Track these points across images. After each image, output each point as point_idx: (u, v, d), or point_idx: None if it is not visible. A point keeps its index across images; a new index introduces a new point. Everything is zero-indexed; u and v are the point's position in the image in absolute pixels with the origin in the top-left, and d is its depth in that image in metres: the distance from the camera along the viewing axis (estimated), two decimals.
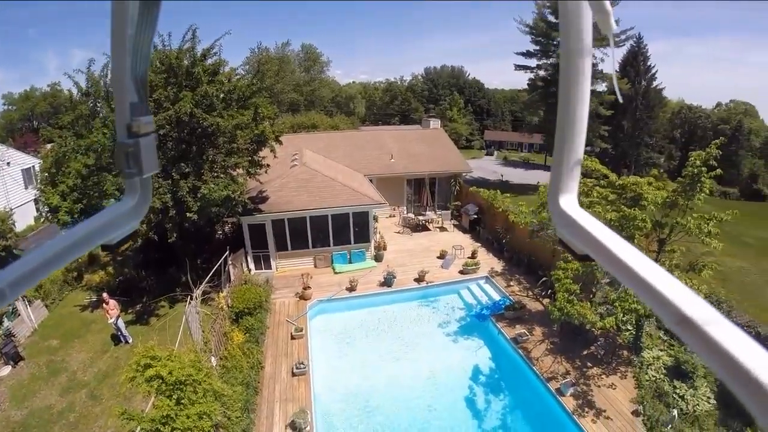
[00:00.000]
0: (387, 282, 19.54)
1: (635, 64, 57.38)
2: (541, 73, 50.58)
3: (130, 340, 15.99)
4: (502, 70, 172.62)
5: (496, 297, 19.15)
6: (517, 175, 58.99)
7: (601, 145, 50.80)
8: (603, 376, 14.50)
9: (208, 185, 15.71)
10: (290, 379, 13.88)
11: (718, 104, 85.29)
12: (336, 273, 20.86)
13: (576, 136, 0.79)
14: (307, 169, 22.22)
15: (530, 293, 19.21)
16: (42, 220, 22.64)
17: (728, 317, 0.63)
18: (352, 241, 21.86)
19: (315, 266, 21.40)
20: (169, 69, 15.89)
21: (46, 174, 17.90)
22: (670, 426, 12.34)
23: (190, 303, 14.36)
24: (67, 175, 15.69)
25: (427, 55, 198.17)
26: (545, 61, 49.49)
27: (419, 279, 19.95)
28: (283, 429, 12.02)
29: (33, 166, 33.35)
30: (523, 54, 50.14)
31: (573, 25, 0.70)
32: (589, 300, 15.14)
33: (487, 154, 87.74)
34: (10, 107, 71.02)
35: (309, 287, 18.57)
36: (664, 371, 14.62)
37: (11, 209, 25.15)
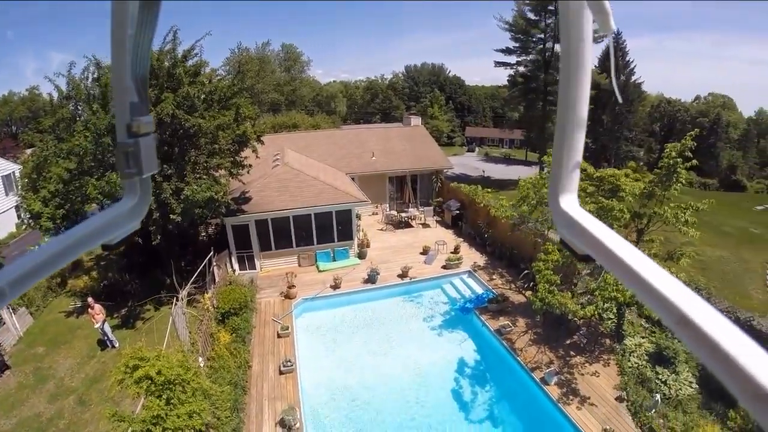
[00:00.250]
0: (371, 279, 19.70)
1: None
2: (521, 69, 51.05)
3: (117, 345, 15.92)
4: (482, 67, 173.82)
5: (479, 290, 19.42)
6: (499, 171, 59.45)
7: None
8: (586, 365, 14.81)
9: (191, 186, 15.72)
10: (278, 377, 13.96)
11: (697, 98, 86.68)
12: (320, 271, 20.96)
13: (576, 137, 0.79)
14: (290, 169, 22.29)
15: (513, 286, 19.51)
16: (24, 227, 22.35)
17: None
18: (336, 240, 21.98)
19: (299, 265, 21.48)
20: (150, 71, 15.86)
21: (27, 180, 17.71)
22: (653, 410, 12.64)
23: (176, 304, 14.41)
24: (48, 180, 15.54)
25: (408, 53, 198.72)
26: (525, 57, 49.99)
27: (403, 275, 20.13)
28: (272, 427, 12.09)
29: (13, 172, 32.76)
30: (502, 51, 50.56)
31: (573, 25, 0.71)
32: (570, 290, 15.45)
33: (468, 151, 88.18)
34: None
35: (294, 286, 18.66)
36: (646, 358, 14.95)
37: None
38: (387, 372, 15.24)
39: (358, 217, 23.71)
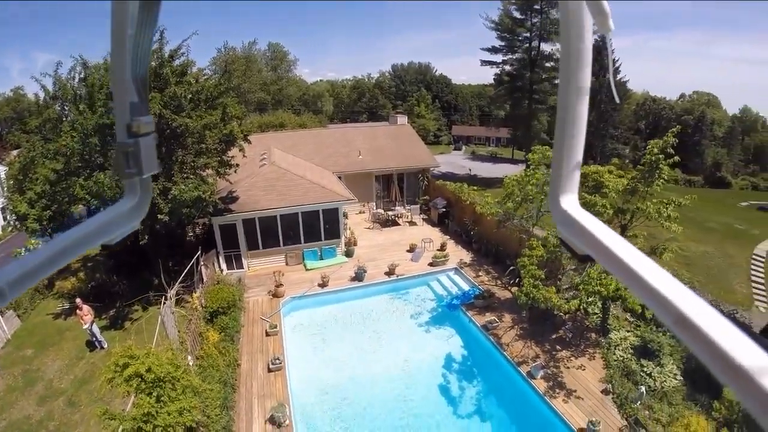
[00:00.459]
0: (358, 276, 19.84)
1: (599, 59, 58.54)
2: (507, 68, 51.35)
3: (106, 346, 15.90)
4: (469, 66, 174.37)
5: (466, 287, 19.63)
6: (485, 169, 59.76)
7: None
8: (572, 358, 15.08)
9: (178, 186, 15.73)
10: (267, 375, 14.05)
11: (682, 95, 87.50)
12: (308, 270, 21.05)
13: (576, 137, 0.80)
14: (277, 168, 22.35)
15: (499, 282, 19.76)
16: (10, 228, 22.21)
17: None
18: (323, 238, 22.08)
19: (286, 264, 21.55)
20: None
21: (13, 181, 17.62)
22: (639, 402, 12.91)
23: (164, 304, 14.44)
24: (34, 181, 15.43)
25: (395, 52, 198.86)
26: (511, 56, 50.29)
27: (390, 272, 20.30)
28: (262, 424, 12.17)
29: None
30: (489, 50, 50.79)
31: (573, 25, 0.72)
32: (555, 285, 15.70)
33: (455, 149, 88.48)
34: None
35: (281, 285, 18.73)
36: (631, 351, 15.21)
37: None
38: (375, 368, 15.38)
39: (345, 215, 23.84)
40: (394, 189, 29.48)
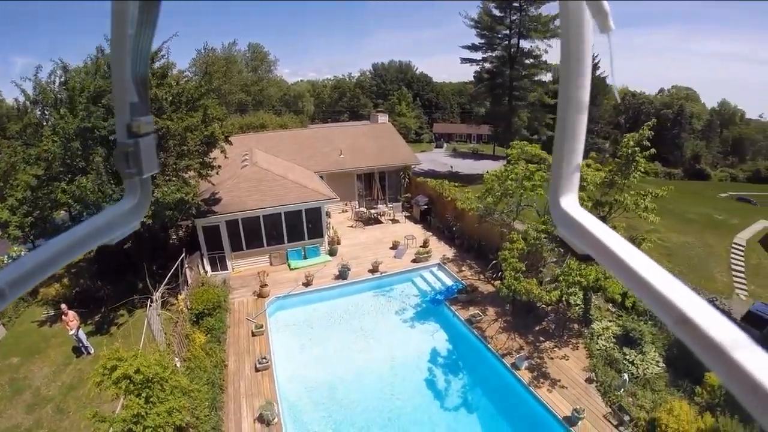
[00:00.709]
0: (342, 275, 20.00)
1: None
2: (487, 65, 51.59)
3: (92, 351, 15.81)
4: (450, 64, 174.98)
5: (449, 282, 19.91)
6: (467, 166, 60.02)
7: (546, 133, 52.33)
8: (555, 349, 15.41)
9: (161, 189, 15.71)
10: (254, 375, 14.13)
11: (661, 90, 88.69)
12: (292, 269, 21.15)
13: (576, 138, 0.80)
14: (258, 169, 22.41)
15: (482, 276, 20.06)
16: None
17: None
18: (306, 237, 22.18)
19: (271, 264, 21.62)
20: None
21: None
22: (622, 390, 13.23)
23: (150, 306, 14.46)
24: (15, 188, 15.31)
25: (376, 51, 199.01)
26: (490, 53, 50.50)
27: (373, 270, 20.48)
28: (251, 423, 12.25)
29: None
30: (468, 47, 51.00)
31: (573, 25, 0.72)
32: (536, 277, 15.99)
33: (436, 147, 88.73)
34: None
35: (266, 285, 18.81)
36: (613, 340, 15.55)
37: None
38: (362, 365, 15.54)
39: (328, 214, 23.96)
40: (376, 187, 29.67)
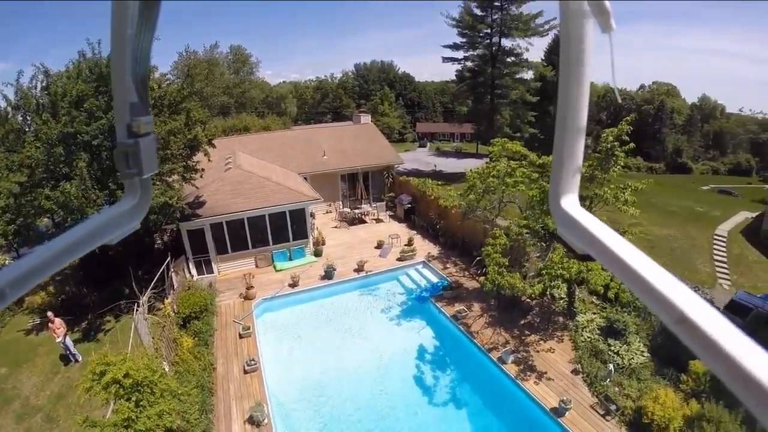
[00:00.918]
0: (328, 275, 20.09)
1: (559, 52, 60.00)
2: (469, 64, 51.83)
3: (80, 359, 15.69)
4: (432, 64, 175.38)
5: (434, 279, 20.11)
6: (450, 165, 60.21)
7: (528, 130, 52.74)
8: (541, 342, 15.67)
9: None
10: (243, 377, 14.16)
11: (642, 86, 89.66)
12: (277, 271, 21.21)
13: (576, 138, 0.80)
14: (242, 172, 22.44)
15: (466, 273, 20.31)
16: None
17: None
18: (291, 239, 22.25)
19: (256, 266, 21.66)
20: (99, 77, 15.79)
21: None
22: (608, 380, 13.53)
23: (137, 311, 14.45)
24: None
25: (358, 51, 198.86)
26: (472, 52, 50.75)
27: (359, 269, 20.64)
28: (242, 425, 12.28)
29: None
30: (450, 47, 51.21)
31: (573, 26, 0.72)
32: (520, 271, 16.24)
33: (420, 146, 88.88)
34: None
35: (252, 287, 18.85)
36: (598, 332, 15.85)
37: None
38: (350, 364, 15.66)
39: (313, 215, 24.10)
40: (359, 187, 29.79)
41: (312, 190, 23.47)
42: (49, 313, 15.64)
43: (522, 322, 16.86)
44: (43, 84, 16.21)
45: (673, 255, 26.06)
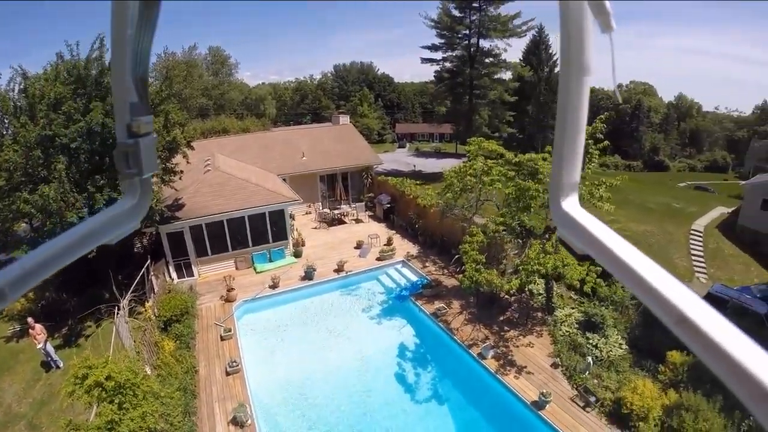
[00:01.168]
0: (308, 275, 20.21)
1: (537, 53, 61.19)
2: (447, 65, 51.96)
3: (62, 365, 15.58)
4: (412, 65, 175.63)
5: (414, 278, 20.38)
6: (430, 165, 60.27)
7: (507, 130, 53.16)
8: (520, 337, 16.00)
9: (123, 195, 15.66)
10: (225, 379, 14.20)
11: (619, 86, 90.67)
12: (258, 272, 21.26)
13: (576, 138, 0.79)
14: (221, 173, 22.47)
15: (445, 271, 20.60)
16: None
17: None
18: (271, 240, 22.32)
19: (236, 268, 21.67)
20: (77, 80, 15.75)
21: None
22: (587, 372, 13.86)
23: (118, 314, 14.42)
24: None
25: (337, 52, 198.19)
26: (450, 53, 50.90)
27: (339, 269, 20.78)
28: (225, 426, 12.33)
29: None
30: (429, 47, 51.32)
31: (573, 26, 0.71)
32: (497, 269, 16.52)
33: (399, 147, 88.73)
34: None
35: (233, 289, 18.89)
36: (576, 326, 16.24)
37: None
38: (332, 363, 15.81)
39: (292, 216, 24.21)
40: (338, 188, 29.97)
41: (291, 191, 23.58)
42: (30, 320, 15.51)
43: (501, 318, 17.17)
44: (21, 86, 16.08)
45: (650, 250, 26.38)
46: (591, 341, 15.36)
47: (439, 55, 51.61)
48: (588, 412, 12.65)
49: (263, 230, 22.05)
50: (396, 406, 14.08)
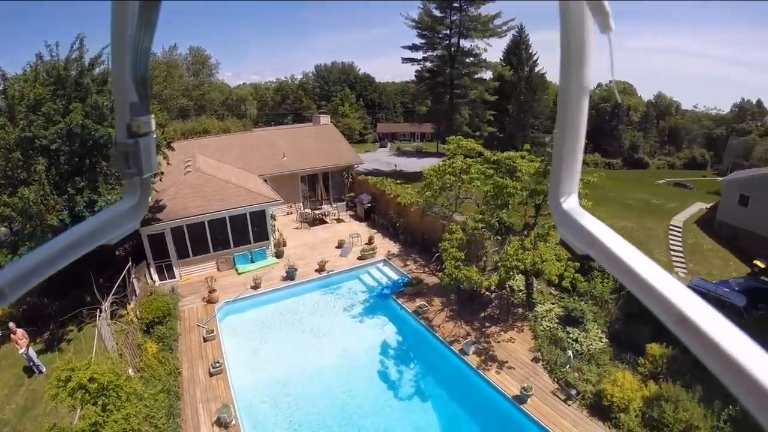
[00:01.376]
0: (290, 276, 20.29)
1: (518, 53, 61.56)
2: (428, 64, 52.14)
3: (44, 370, 15.43)
4: (393, 64, 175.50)
5: (395, 277, 20.62)
6: (411, 164, 60.28)
7: (487, 129, 53.50)
8: (501, 333, 16.28)
9: (104, 197, 15.66)
10: (209, 380, 14.23)
11: (599, 85, 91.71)
12: (239, 273, 21.27)
13: (576, 138, 0.79)
14: (201, 174, 22.42)
15: (426, 269, 20.83)
16: None
17: None
18: (252, 241, 22.32)
19: (218, 269, 21.65)
20: (57, 81, 15.66)
21: None
22: (568, 366, 14.16)
23: (100, 317, 14.37)
24: None
25: (318, 52, 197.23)
26: (431, 53, 51.04)
27: (320, 269, 20.92)
28: (210, 427, 12.37)
29: None
30: (409, 47, 51.40)
31: (573, 26, 0.71)
32: (477, 265, 16.73)
33: (380, 147, 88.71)
34: None
35: (215, 290, 18.89)
36: (556, 321, 16.53)
37: None
38: (315, 362, 15.89)
39: (273, 217, 24.26)
40: (319, 188, 30.12)
41: (272, 192, 23.62)
42: (11, 324, 15.32)
43: (482, 314, 17.43)
44: (0, 88, 15.98)
45: None
46: (571, 335, 15.65)
47: (419, 55, 51.73)
48: (569, 405, 12.92)
49: (244, 231, 22.04)
50: (380, 403, 14.24)
